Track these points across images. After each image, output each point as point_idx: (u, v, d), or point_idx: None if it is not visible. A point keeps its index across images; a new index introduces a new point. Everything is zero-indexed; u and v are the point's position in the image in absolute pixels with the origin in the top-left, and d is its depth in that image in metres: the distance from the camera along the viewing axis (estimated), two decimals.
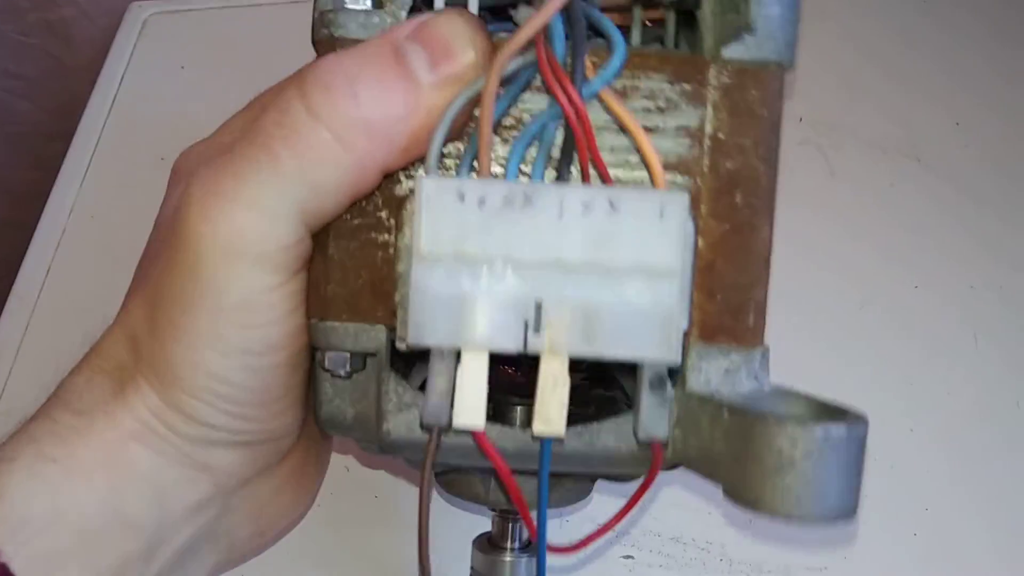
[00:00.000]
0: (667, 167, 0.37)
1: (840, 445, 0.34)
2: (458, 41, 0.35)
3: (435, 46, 0.35)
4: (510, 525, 0.47)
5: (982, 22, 0.71)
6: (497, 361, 0.38)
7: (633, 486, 0.39)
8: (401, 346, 0.36)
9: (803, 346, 0.59)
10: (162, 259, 0.38)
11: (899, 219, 0.65)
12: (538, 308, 0.34)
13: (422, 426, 0.38)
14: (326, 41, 0.38)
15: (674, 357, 0.34)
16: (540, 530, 0.37)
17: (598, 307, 0.34)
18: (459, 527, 0.52)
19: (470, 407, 0.35)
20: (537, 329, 0.34)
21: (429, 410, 0.35)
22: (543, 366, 0.34)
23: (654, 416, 0.35)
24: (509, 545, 0.47)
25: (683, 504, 0.55)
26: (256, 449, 0.42)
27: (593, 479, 0.46)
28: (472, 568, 0.48)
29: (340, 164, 0.35)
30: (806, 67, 0.67)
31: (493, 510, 0.47)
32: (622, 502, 0.39)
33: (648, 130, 0.36)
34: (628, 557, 0.54)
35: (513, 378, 0.40)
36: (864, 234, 0.64)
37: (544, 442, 0.36)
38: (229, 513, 0.43)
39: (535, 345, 0.34)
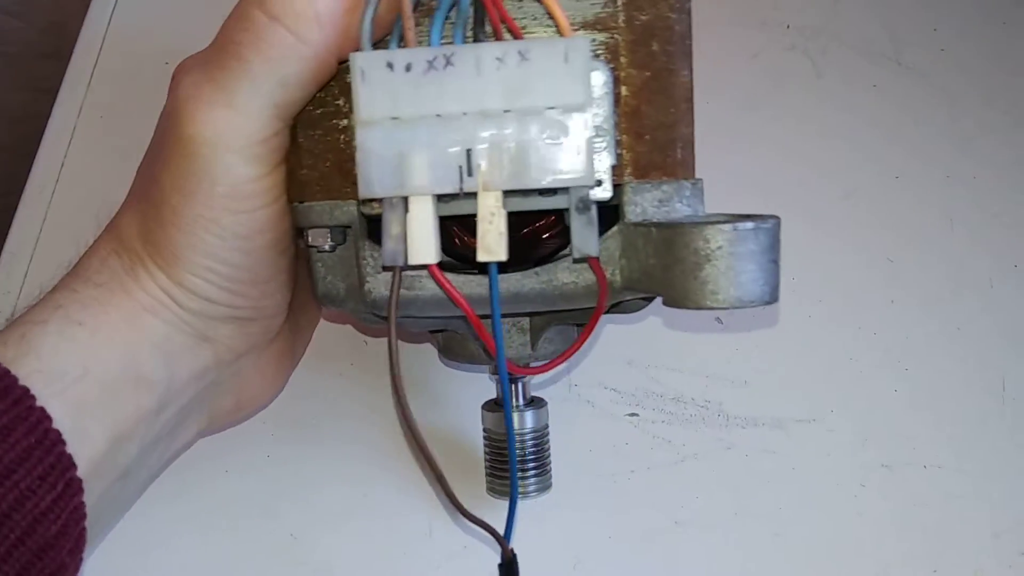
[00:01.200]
0: (586, 26, 0.38)
1: (749, 237, 0.35)
2: None
3: None
4: (512, 386, 0.48)
5: None
6: (470, 234, 0.40)
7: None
8: (365, 208, 0.38)
9: (794, 229, 0.59)
10: (161, 159, 0.40)
11: (881, 117, 0.64)
12: (468, 154, 0.35)
13: (384, 268, 0.39)
14: None
15: (591, 181, 0.35)
16: (498, 346, 0.38)
17: (521, 146, 0.35)
18: (472, 394, 0.53)
19: (422, 245, 0.36)
20: (471, 172, 0.35)
21: (387, 253, 0.36)
22: (480, 203, 0.36)
23: (584, 236, 0.36)
24: (514, 403, 0.48)
25: (681, 369, 0.56)
26: (249, 325, 0.44)
27: (578, 326, 0.47)
28: (484, 429, 0.49)
29: (302, 56, 0.37)
30: None
31: (494, 374, 0.48)
32: None
33: None
34: (633, 415, 0.54)
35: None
36: (849, 130, 0.64)
37: (490, 267, 0.37)
38: (217, 386, 0.46)
39: (470, 185, 0.35)
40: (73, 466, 0.38)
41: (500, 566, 0.45)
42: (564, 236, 0.42)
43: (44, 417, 0.38)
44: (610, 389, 0.55)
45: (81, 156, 0.61)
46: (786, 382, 0.56)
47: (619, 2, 0.37)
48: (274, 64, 0.37)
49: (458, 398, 0.54)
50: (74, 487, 0.38)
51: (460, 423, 0.53)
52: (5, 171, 0.66)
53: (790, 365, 0.56)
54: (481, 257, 0.36)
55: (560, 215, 0.41)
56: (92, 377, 0.40)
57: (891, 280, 0.59)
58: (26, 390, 0.38)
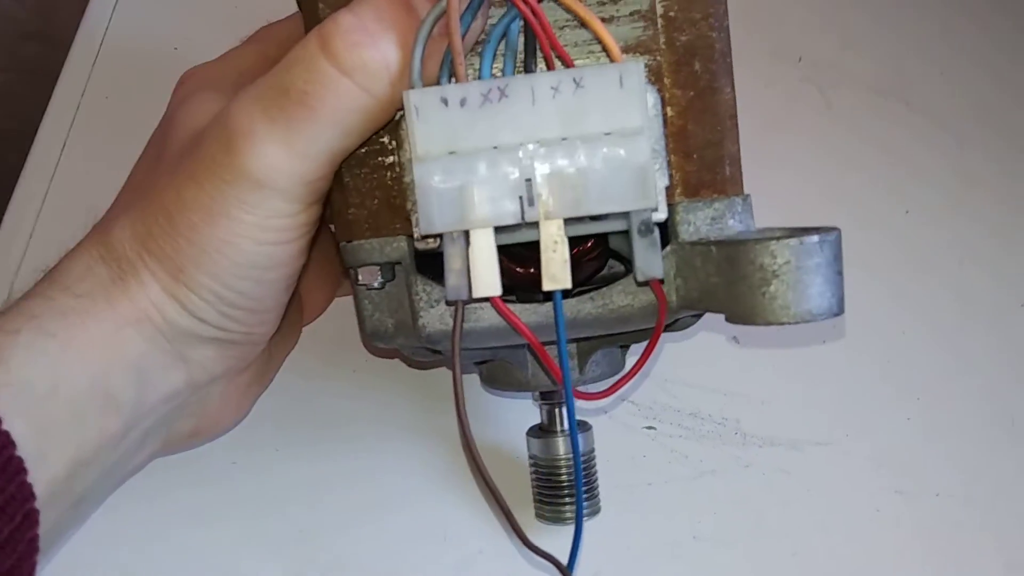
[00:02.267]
0: (627, 50, 0.36)
1: (814, 250, 0.33)
2: None
3: None
4: (556, 410, 0.46)
5: None
6: (516, 263, 0.38)
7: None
8: (419, 244, 0.36)
9: None
10: (186, 172, 0.37)
11: (890, 152, 0.62)
12: (528, 183, 0.33)
13: (447, 303, 0.37)
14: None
15: (653, 203, 0.33)
16: (564, 373, 0.36)
17: (581, 173, 0.33)
18: (513, 426, 0.50)
19: (485, 278, 0.34)
20: (531, 202, 0.33)
21: (450, 288, 0.34)
22: (542, 231, 0.34)
23: (647, 258, 0.34)
24: (559, 428, 0.46)
25: (700, 385, 0.54)
26: (231, 348, 0.41)
27: (623, 347, 0.45)
28: (531, 456, 0.46)
29: (368, 109, 0.35)
30: (806, 11, 0.67)
31: (541, 398, 0.46)
32: None
33: (605, 21, 0.35)
34: (650, 428, 0.52)
35: (534, 276, 0.38)
36: (859, 164, 0.62)
37: (555, 295, 0.35)
38: (180, 409, 0.42)
39: (531, 215, 0.33)
40: (32, 496, 0.35)
41: None
42: (602, 259, 0.41)
43: (8, 443, 0.34)
44: (627, 401, 0.53)
45: (83, 139, 0.57)
46: (801, 404, 0.54)
47: (659, 24, 0.36)
48: (341, 115, 0.34)
49: (497, 417, 0.51)
50: (32, 519, 0.35)
51: (502, 441, 0.51)
52: None
53: (805, 387, 0.54)
54: (547, 286, 0.34)
55: (599, 239, 0.40)
56: (60, 395, 0.36)
57: (903, 311, 0.57)
58: None
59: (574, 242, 0.39)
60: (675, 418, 0.52)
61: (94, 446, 0.37)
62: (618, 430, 0.52)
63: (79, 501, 0.38)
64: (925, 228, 0.59)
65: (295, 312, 0.50)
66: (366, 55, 0.33)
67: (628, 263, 0.42)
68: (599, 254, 0.40)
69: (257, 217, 0.36)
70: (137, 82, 0.58)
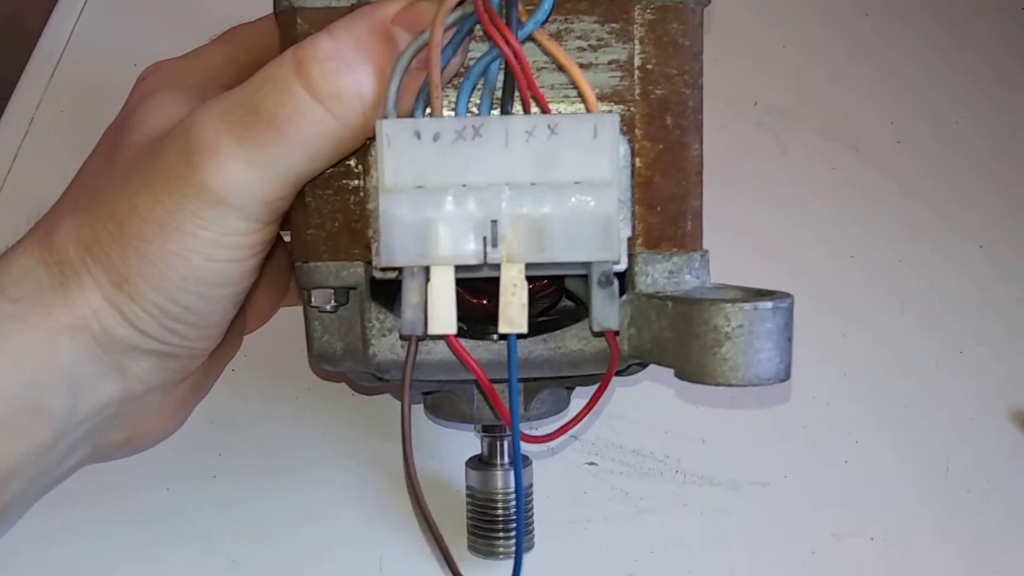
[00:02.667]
0: (603, 98, 0.36)
1: (767, 316, 0.33)
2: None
3: (421, 30, 0.33)
4: (497, 443, 0.45)
5: (917, 36, 0.69)
6: (470, 293, 0.38)
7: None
8: (377, 274, 0.35)
9: None
10: (139, 178, 0.35)
11: (839, 198, 0.63)
12: (494, 225, 0.33)
13: (401, 337, 0.37)
14: (288, 13, 0.36)
15: (616, 256, 0.33)
16: (513, 417, 0.35)
17: (547, 219, 0.33)
18: (453, 455, 0.50)
19: (442, 317, 0.33)
20: (495, 244, 0.33)
21: (406, 322, 0.34)
22: (503, 274, 0.33)
23: (605, 309, 0.34)
24: (498, 461, 0.45)
25: (642, 422, 0.53)
26: (171, 360, 0.39)
27: (569, 388, 0.45)
28: (468, 487, 0.46)
29: (338, 136, 0.34)
30: (762, 58, 0.67)
31: (484, 430, 0.45)
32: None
33: (583, 67, 0.35)
34: (592, 464, 0.52)
35: (487, 308, 0.38)
36: (809, 208, 0.62)
37: (510, 339, 0.35)
38: (113, 419, 0.41)
39: (494, 257, 0.33)
40: None
41: None
42: (556, 296, 0.40)
43: None
44: (569, 436, 0.52)
45: (36, 150, 0.56)
46: (741, 444, 0.54)
47: (635, 76, 0.36)
48: (309, 140, 0.33)
49: (438, 446, 0.51)
50: None
51: (441, 471, 0.50)
52: None
53: (746, 427, 0.54)
54: (503, 329, 0.34)
55: (553, 277, 0.39)
56: None
57: (844, 354, 0.57)
58: None
59: (530, 279, 0.39)
60: (617, 454, 0.52)
61: (22, 455, 0.36)
62: (560, 465, 0.52)
63: (4, 510, 0.37)
64: (869, 273, 0.60)
65: (238, 321, 0.48)
66: (341, 84, 0.33)
67: (580, 302, 0.41)
68: (553, 291, 0.40)
69: (212, 233, 0.35)
70: (95, 97, 0.56)
